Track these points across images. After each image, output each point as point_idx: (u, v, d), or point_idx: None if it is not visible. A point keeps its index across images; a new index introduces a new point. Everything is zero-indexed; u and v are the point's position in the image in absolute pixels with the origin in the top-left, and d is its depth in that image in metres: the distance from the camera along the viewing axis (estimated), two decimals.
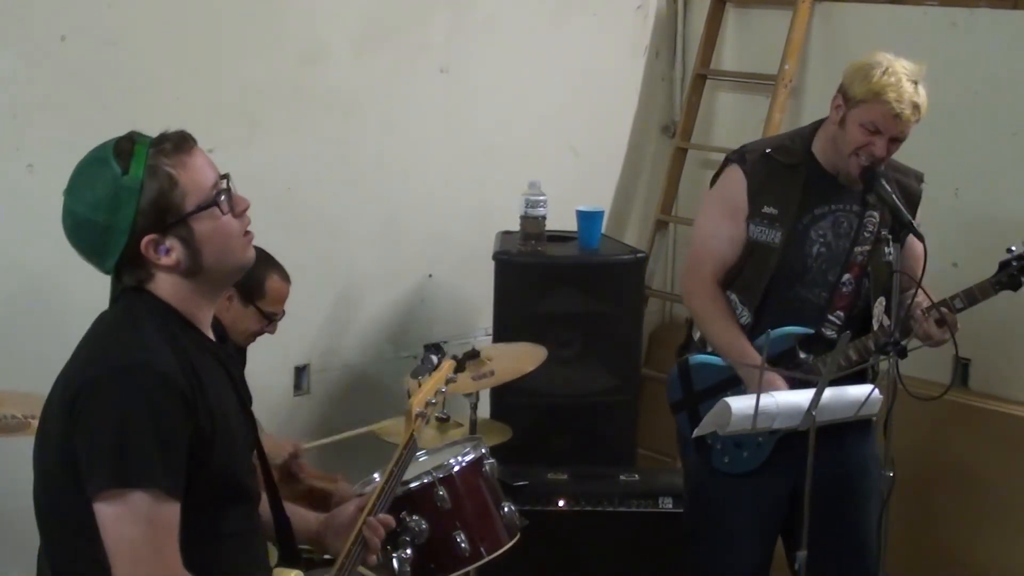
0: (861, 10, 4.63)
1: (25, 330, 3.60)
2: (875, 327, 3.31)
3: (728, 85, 5.13)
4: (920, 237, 3.20)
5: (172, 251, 2.14)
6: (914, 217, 3.34)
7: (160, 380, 2.06)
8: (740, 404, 3.08)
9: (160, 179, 2.12)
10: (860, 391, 3.16)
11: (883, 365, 3.24)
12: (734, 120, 5.12)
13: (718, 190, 3.49)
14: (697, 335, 3.53)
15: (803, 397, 3.10)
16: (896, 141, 3.25)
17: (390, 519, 2.47)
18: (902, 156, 3.38)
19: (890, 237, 3.20)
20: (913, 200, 3.39)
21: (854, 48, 4.49)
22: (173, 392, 2.07)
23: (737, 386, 3.39)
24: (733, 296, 3.41)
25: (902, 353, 3.12)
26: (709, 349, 3.47)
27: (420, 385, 2.59)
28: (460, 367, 2.60)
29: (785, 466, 3.33)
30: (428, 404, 2.55)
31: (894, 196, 3.20)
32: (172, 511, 2.06)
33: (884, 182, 3.23)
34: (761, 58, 4.92)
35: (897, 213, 3.17)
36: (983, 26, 4.29)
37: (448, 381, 2.61)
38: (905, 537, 3.80)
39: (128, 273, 2.16)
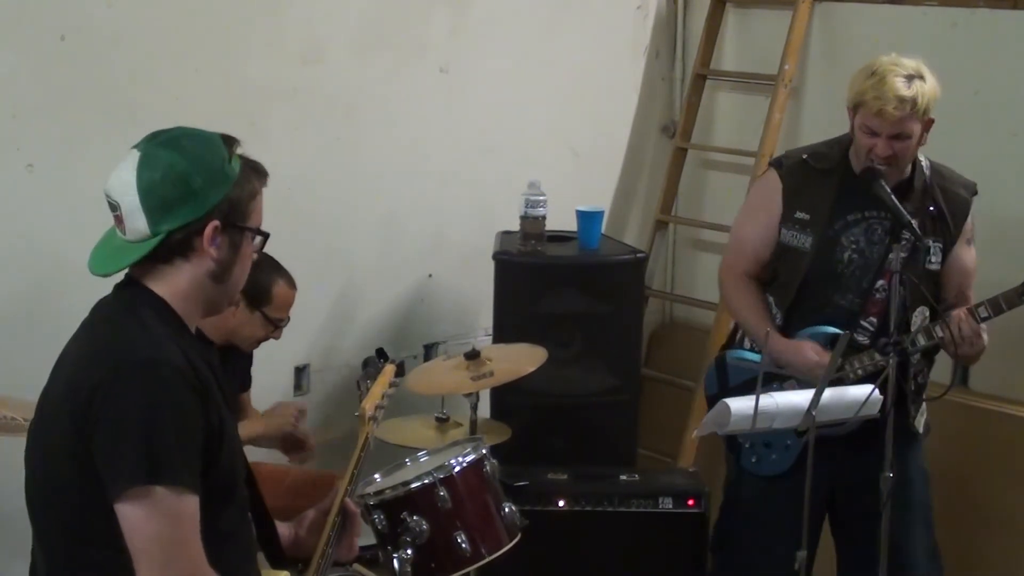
0: (861, 10, 4.63)
1: (24, 331, 3.60)
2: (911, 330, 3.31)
3: (728, 85, 5.13)
4: (919, 237, 3.20)
5: (221, 247, 2.18)
6: (962, 227, 3.35)
7: (178, 375, 2.07)
8: (739, 404, 3.08)
9: (249, 185, 2.23)
10: (860, 391, 3.15)
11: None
12: (734, 120, 5.12)
13: (755, 193, 3.61)
14: (740, 334, 3.55)
15: (802, 397, 3.10)
16: (898, 139, 3.23)
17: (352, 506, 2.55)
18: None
19: (930, 245, 3.26)
20: (959, 209, 3.37)
21: (854, 48, 4.50)
22: (190, 388, 2.08)
23: (772, 384, 3.38)
24: (770, 298, 3.45)
25: (902, 353, 3.12)
26: (747, 347, 3.49)
27: (368, 390, 2.64)
28: (400, 371, 2.68)
29: (818, 469, 3.27)
30: (377, 407, 2.60)
31: (892, 196, 3.21)
32: (195, 506, 2.06)
33: (883, 182, 3.23)
34: (761, 58, 4.92)
35: (896, 213, 3.18)
36: (983, 26, 4.29)
37: (391, 384, 2.66)
38: None
39: (173, 245, 2.15)
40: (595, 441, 4.27)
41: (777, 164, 3.48)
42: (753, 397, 3.05)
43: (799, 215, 3.36)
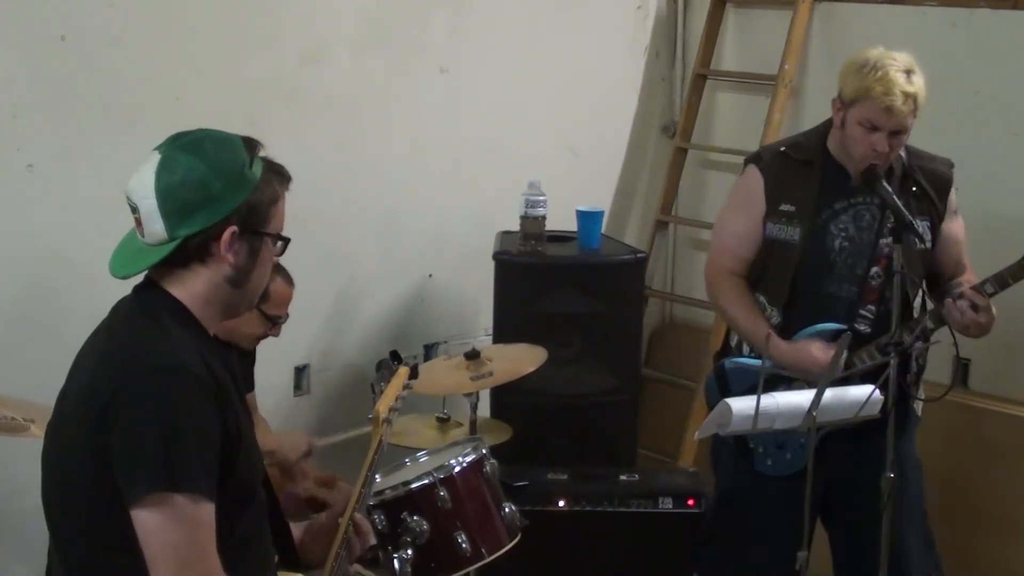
0: (861, 10, 4.63)
1: (23, 331, 3.60)
2: (915, 316, 3.30)
3: (728, 85, 5.13)
4: (920, 237, 3.20)
5: (238, 253, 2.16)
6: (946, 201, 3.36)
7: (196, 382, 2.06)
8: (740, 405, 3.07)
9: (270, 190, 2.19)
10: (860, 392, 3.15)
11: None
12: (734, 120, 5.12)
13: (736, 190, 3.53)
14: (734, 340, 3.52)
15: (804, 397, 3.09)
16: (897, 135, 3.22)
17: (367, 522, 2.50)
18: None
19: (918, 223, 3.23)
20: (942, 185, 3.37)
21: (854, 48, 4.46)
22: (208, 394, 2.07)
23: (775, 387, 3.35)
24: (761, 298, 3.40)
25: (903, 353, 3.11)
26: (745, 352, 3.46)
27: (382, 392, 2.64)
28: (414, 374, 2.67)
29: (818, 466, 3.27)
30: (391, 410, 2.60)
31: (894, 196, 3.20)
32: (211, 514, 2.05)
33: (884, 182, 3.23)
34: (761, 58, 4.92)
35: (897, 213, 3.17)
36: (983, 26, 4.29)
37: (405, 387, 2.66)
38: None
39: (190, 250, 2.14)
40: (595, 441, 4.27)
41: (756, 159, 3.45)
42: (754, 397, 3.05)
43: (784, 207, 3.34)
